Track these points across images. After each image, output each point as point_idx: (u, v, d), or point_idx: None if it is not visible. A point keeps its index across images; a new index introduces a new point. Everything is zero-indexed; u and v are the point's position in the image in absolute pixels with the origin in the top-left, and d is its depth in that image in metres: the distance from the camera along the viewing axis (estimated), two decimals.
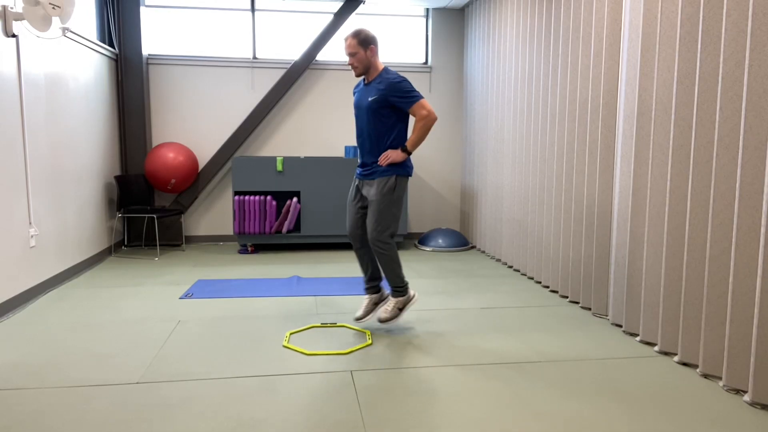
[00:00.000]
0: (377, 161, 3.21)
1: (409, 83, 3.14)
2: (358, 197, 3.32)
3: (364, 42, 3.14)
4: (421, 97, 3.13)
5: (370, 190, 3.22)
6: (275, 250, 6.05)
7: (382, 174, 3.18)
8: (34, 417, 2.24)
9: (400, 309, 3.32)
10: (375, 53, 3.18)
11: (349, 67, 6.44)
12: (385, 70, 3.21)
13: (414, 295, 3.39)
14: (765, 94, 2.32)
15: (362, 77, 3.30)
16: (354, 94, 3.39)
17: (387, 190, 3.17)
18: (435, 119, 3.13)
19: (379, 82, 3.17)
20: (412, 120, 6.62)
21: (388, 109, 3.16)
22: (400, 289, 3.31)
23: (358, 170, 3.33)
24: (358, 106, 3.28)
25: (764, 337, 2.32)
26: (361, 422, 2.21)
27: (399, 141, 3.23)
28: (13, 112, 3.78)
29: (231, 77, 6.34)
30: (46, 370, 2.72)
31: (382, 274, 3.37)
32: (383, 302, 3.44)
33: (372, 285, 3.42)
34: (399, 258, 3.28)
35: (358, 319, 3.37)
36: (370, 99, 3.17)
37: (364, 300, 3.42)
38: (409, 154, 3.19)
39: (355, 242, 3.37)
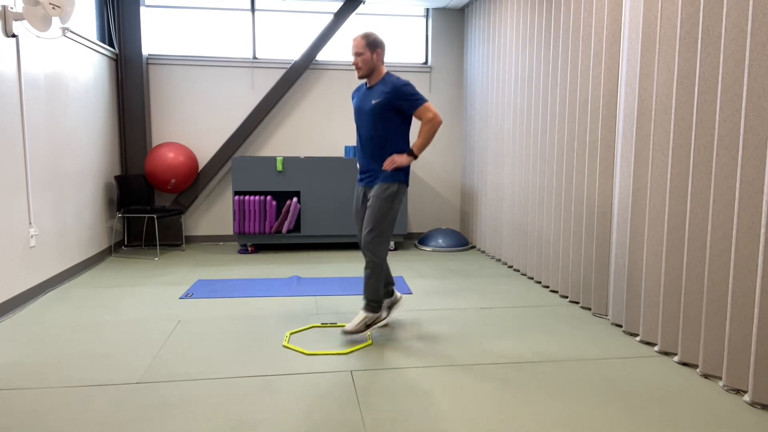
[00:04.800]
0: (380, 166, 3.16)
1: (413, 87, 3.12)
2: (364, 206, 3.27)
3: (372, 44, 3.11)
4: (426, 101, 3.11)
5: (371, 195, 3.17)
6: (275, 250, 6.05)
7: (385, 180, 3.14)
8: (34, 417, 2.24)
9: (367, 325, 3.24)
10: (381, 57, 3.16)
11: (352, 67, 6.55)
12: (388, 74, 3.18)
13: (383, 317, 3.33)
14: (765, 94, 2.32)
15: (363, 81, 3.27)
16: (353, 98, 3.35)
17: (388, 196, 3.12)
18: (440, 122, 3.11)
19: (382, 86, 3.13)
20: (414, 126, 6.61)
21: (392, 113, 3.12)
22: (375, 305, 3.24)
23: (360, 177, 3.28)
24: (359, 111, 3.22)
25: (764, 337, 2.32)
26: (361, 422, 2.21)
27: (402, 145, 3.18)
28: (13, 112, 3.78)
29: (231, 77, 6.34)
30: (46, 370, 2.72)
31: (393, 279, 3.36)
32: (398, 304, 3.43)
33: (386, 290, 3.39)
34: (388, 272, 3.24)
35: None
36: (373, 102, 3.12)
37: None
38: (416, 157, 3.15)
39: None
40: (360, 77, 3.19)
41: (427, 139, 3.12)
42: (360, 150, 3.26)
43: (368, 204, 3.18)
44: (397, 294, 3.45)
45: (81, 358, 2.88)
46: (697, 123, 2.69)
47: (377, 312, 3.26)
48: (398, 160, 3.11)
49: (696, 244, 2.75)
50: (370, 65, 3.14)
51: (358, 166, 3.32)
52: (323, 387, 2.54)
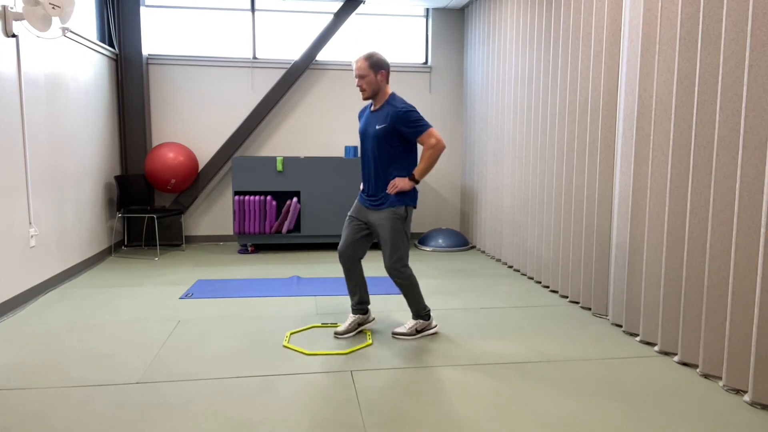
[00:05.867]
0: (383, 189, 3.14)
1: (417, 112, 3.06)
2: (360, 222, 3.23)
3: (375, 65, 3.05)
4: (429, 126, 3.05)
5: (379, 220, 3.13)
6: (275, 250, 6.05)
7: (392, 204, 3.11)
8: (34, 417, 2.24)
9: (418, 331, 3.25)
10: (385, 78, 3.10)
11: (352, 67, 6.52)
12: (392, 96, 3.12)
13: (435, 326, 3.32)
14: (765, 94, 2.32)
15: (369, 103, 3.22)
16: (359, 119, 3.30)
17: (399, 219, 3.11)
18: (443, 148, 3.06)
19: (386, 110, 3.08)
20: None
21: (396, 138, 3.08)
22: (424, 315, 3.27)
23: (363, 198, 3.23)
24: (363, 134, 3.19)
25: (764, 337, 2.32)
26: (361, 422, 2.21)
27: (406, 169, 3.15)
28: (13, 112, 3.78)
29: (231, 77, 6.34)
30: (46, 370, 2.72)
31: (369, 299, 3.35)
32: (366, 325, 3.38)
33: (360, 307, 3.34)
34: (418, 284, 3.24)
35: (339, 333, 3.24)
36: (377, 127, 3.08)
37: (349, 317, 3.31)
38: (417, 182, 3.12)
39: (346, 262, 3.25)
40: (365, 99, 3.13)
41: (429, 165, 3.08)
42: (364, 171, 3.24)
43: (379, 232, 3.15)
44: (371, 315, 3.42)
45: (81, 358, 2.88)
46: (697, 123, 2.69)
47: (428, 320, 3.29)
48: (400, 184, 3.09)
49: (696, 244, 2.75)
50: (374, 87, 3.09)
51: (361, 186, 3.28)
52: (323, 387, 2.54)
